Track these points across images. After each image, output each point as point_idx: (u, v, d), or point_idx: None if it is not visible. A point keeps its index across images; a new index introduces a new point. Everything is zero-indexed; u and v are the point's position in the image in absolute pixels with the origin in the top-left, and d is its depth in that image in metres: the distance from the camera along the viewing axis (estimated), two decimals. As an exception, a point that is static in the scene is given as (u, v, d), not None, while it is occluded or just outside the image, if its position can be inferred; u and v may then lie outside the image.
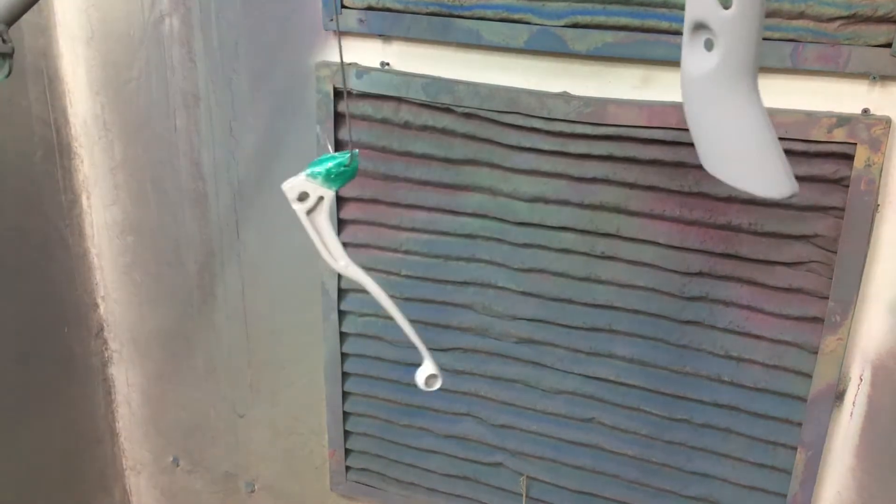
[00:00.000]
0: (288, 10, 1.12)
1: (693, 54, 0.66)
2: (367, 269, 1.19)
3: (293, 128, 1.18)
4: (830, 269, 0.95)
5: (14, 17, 0.88)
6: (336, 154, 0.83)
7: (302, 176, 0.82)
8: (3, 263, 1.30)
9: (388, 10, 1.04)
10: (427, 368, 0.91)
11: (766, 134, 0.65)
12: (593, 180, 1.03)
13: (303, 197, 0.82)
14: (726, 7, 0.61)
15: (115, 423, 1.58)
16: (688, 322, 1.06)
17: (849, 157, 0.91)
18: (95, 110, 1.33)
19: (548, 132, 1.02)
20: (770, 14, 0.88)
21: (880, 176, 0.90)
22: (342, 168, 0.83)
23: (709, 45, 0.64)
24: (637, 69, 0.98)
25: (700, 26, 0.64)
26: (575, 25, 0.96)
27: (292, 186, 0.82)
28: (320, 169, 0.82)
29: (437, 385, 0.92)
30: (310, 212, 0.83)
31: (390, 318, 1.19)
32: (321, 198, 0.83)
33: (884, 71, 0.87)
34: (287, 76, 1.16)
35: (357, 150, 0.84)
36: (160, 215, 1.35)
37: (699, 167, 0.97)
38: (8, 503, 1.38)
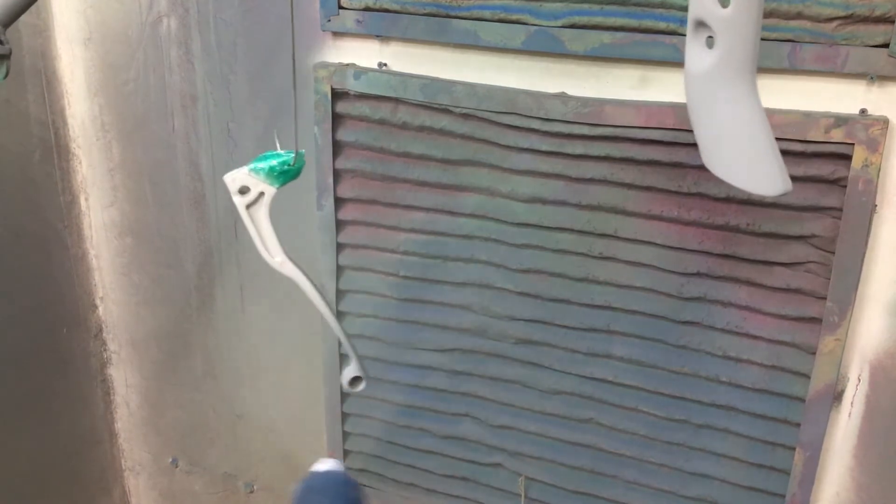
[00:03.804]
0: (286, 11, 1.12)
1: (695, 51, 0.67)
2: (366, 269, 1.20)
3: (291, 129, 1.18)
4: (828, 269, 0.95)
5: (11, 19, 0.88)
6: (282, 152, 0.84)
7: (245, 169, 0.84)
8: (1, 264, 1.30)
9: (386, 10, 1.04)
10: (353, 370, 0.94)
11: (762, 132, 0.65)
12: (591, 181, 1.03)
13: (244, 190, 0.84)
14: (724, 6, 0.62)
15: (113, 424, 1.58)
16: (686, 322, 1.06)
17: (846, 158, 0.90)
18: (93, 111, 1.33)
19: (545, 133, 1.02)
20: (767, 14, 0.87)
21: (878, 176, 0.90)
22: (286, 167, 0.84)
23: (709, 43, 0.65)
24: (634, 70, 0.98)
25: (701, 24, 0.64)
26: (572, 26, 0.96)
27: (234, 179, 0.84)
28: (264, 165, 0.83)
29: (361, 387, 0.94)
30: (250, 206, 0.84)
31: (389, 318, 1.21)
32: (262, 193, 0.84)
33: (881, 71, 0.87)
34: (285, 77, 1.16)
35: (303, 151, 0.85)
36: (158, 216, 1.35)
37: (697, 167, 0.98)
38: (7, 504, 1.38)
